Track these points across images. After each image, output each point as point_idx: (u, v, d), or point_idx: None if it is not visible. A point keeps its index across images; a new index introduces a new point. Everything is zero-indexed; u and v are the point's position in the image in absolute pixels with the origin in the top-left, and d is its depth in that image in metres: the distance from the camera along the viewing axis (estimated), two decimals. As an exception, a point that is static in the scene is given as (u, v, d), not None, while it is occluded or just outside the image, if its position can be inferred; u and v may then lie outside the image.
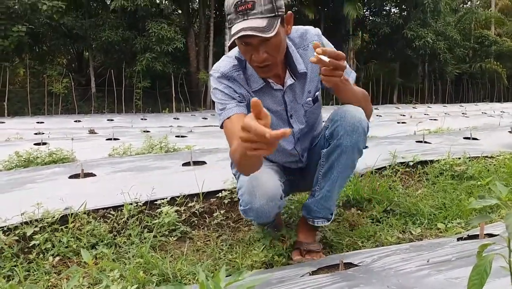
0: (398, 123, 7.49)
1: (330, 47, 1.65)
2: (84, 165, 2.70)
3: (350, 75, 1.67)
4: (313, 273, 1.47)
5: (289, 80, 1.65)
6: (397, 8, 21.17)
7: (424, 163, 3.14)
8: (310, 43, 1.65)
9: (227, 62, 1.66)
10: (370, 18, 21.47)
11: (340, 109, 1.61)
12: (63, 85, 13.03)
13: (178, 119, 10.30)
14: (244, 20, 1.40)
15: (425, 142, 3.94)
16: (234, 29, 1.41)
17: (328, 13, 19.62)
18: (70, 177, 2.64)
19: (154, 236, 2.01)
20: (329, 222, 1.82)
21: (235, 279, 0.77)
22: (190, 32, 16.23)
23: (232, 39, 1.43)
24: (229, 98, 1.60)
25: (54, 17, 12.66)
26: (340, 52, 1.34)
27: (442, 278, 1.26)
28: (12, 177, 2.68)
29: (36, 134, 5.85)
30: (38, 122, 8.37)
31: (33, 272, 1.73)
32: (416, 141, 3.98)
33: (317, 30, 1.72)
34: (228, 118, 1.56)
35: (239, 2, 1.40)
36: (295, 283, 1.34)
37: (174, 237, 2.05)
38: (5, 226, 1.94)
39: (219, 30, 16.48)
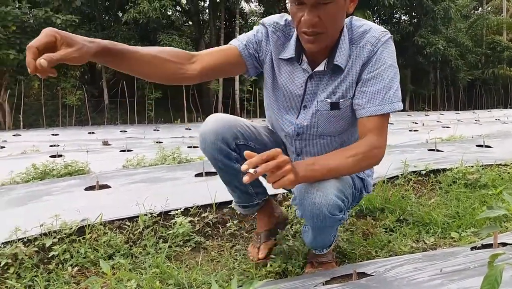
0: (410, 131, 7.46)
1: (383, 58, 1.41)
2: (99, 177, 2.76)
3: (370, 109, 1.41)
4: (326, 283, 1.49)
5: (320, 67, 1.46)
6: (407, 15, 21.13)
7: (436, 171, 3.14)
8: (367, 42, 1.42)
9: (280, 18, 1.56)
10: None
11: (301, 190, 1.38)
12: (77, 97, 13.26)
13: (190, 129, 10.39)
14: None
15: (438, 150, 3.93)
16: None
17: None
18: (86, 189, 2.70)
19: (169, 247, 2.04)
20: (329, 248, 1.73)
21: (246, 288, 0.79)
22: (201, 43, 16.41)
23: None
24: (250, 39, 1.55)
25: (67, 31, 12.91)
26: (269, 152, 1.19)
27: (455, 288, 1.26)
28: (29, 190, 2.75)
29: (51, 146, 5.96)
30: (53, 134, 8.51)
31: (53, 282, 1.77)
32: (428, 150, 3.98)
33: (382, 33, 1.42)
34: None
35: None
36: (309, 293, 1.36)
37: (188, 247, 2.09)
38: (25, 238, 1.99)
39: (229, 40, 16.60)
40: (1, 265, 1.83)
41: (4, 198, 2.53)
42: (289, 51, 1.50)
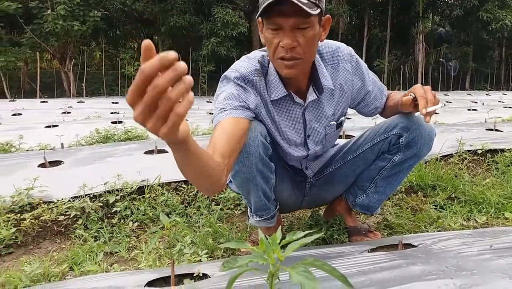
0: (468, 110, 7.09)
1: (361, 67, 1.58)
2: (157, 142, 2.92)
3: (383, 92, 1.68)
4: (372, 250, 1.53)
5: (311, 96, 1.48)
6: (472, -13, 19.65)
7: (494, 151, 3.01)
8: (341, 62, 1.52)
9: (248, 64, 1.45)
10: (442, -1, 20.18)
11: (409, 118, 1.57)
12: (135, 68, 13.77)
13: (240, 102, 10.48)
14: None
15: (497, 130, 3.74)
16: (266, 1, 1.22)
17: (396, -7, 18.73)
18: (145, 152, 2.87)
19: (221, 209, 2.16)
20: (377, 211, 1.84)
21: (290, 238, 0.83)
22: (254, 16, 16.31)
23: (262, 6, 1.23)
24: (235, 102, 1.36)
25: (126, 3, 13.34)
26: (429, 95, 1.36)
27: (504, 263, 1.26)
28: (94, 151, 2.97)
29: (112, 113, 6.30)
30: (113, 102, 8.96)
31: (115, 235, 1.95)
32: (487, 129, 3.79)
33: (350, 49, 1.56)
34: (220, 121, 1.31)
35: None
36: (353, 258, 1.41)
37: (238, 210, 2.19)
38: (91, 194, 2.18)
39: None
40: (71, 217, 2.04)
41: (72, 158, 2.76)
42: (278, 90, 1.44)
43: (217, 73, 14.56)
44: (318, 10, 1.25)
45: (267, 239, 0.74)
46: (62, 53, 12.28)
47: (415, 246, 1.54)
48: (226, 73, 1.45)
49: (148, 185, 2.27)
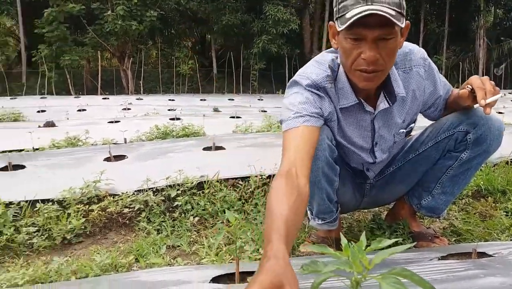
0: (542, 111, 6.59)
1: (434, 71, 1.50)
2: (214, 139, 2.96)
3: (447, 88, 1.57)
4: (442, 258, 1.45)
5: (382, 104, 1.41)
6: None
7: None
8: (414, 66, 1.45)
9: (319, 69, 1.39)
10: (505, -9, 18.91)
11: (475, 113, 1.48)
12: (189, 66, 14.15)
13: (292, 100, 10.46)
14: (366, 5, 1.15)
15: None
16: (353, 11, 1.17)
17: (457, -14, 17.81)
18: (204, 149, 2.93)
19: (278, 208, 2.14)
20: (443, 213, 1.76)
21: (375, 245, 0.80)
22: (305, 13, 16.16)
23: (347, 17, 1.17)
24: (312, 108, 1.32)
25: (181, 2, 13.73)
26: (488, 85, 1.29)
27: None
28: (155, 147, 3.07)
29: (169, 110, 6.52)
30: (169, 100, 9.28)
31: (177, 229, 2.00)
32: None
33: (423, 52, 1.48)
34: (296, 127, 1.28)
35: None
36: (423, 266, 1.34)
37: (297, 210, 2.17)
38: (154, 188, 2.25)
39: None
40: (135, 209, 2.11)
41: (135, 153, 2.87)
42: (348, 98, 1.39)
43: (268, 71, 14.61)
44: (404, 21, 1.20)
45: (350, 245, 0.71)
46: (121, 52, 12.87)
47: (490, 256, 1.44)
48: (296, 78, 1.40)
49: (208, 181, 2.30)
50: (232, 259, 1.60)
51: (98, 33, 12.54)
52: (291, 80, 1.42)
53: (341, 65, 1.38)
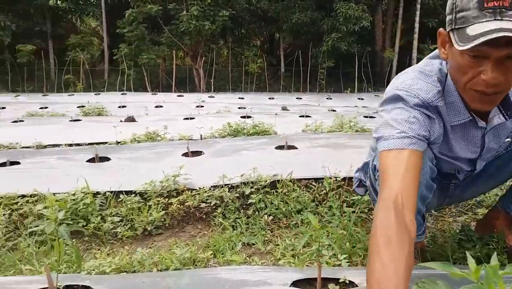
0: None
1: None
2: (288, 138, 2.96)
3: None
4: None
5: (496, 119, 1.27)
6: None
7: None
8: None
9: (428, 84, 1.23)
10: None
11: None
12: (257, 65, 14.29)
13: (362, 99, 10.20)
14: (495, 20, 1.00)
15: None
16: (479, 29, 1.02)
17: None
18: (276, 148, 2.93)
19: (353, 212, 2.08)
20: None
21: (510, 270, 0.72)
22: (378, 9, 15.58)
23: (474, 44, 1.01)
24: (420, 129, 1.17)
25: (252, 1, 13.90)
26: None
27: None
28: (229, 144, 3.13)
29: (239, 108, 6.64)
30: (239, 98, 9.49)
31: (251, 226, 2.01)
32: None
33: None
34: (401, 148, 1.14)
35: None
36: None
37: (372, 215, 2.09)
38: (229, 184, 2.29)
39: (408, 6, 15.40)
40: (211, 205, 2.16)
41: (211, 149, 2.95)
42: (460, 115, 1.25)
43: (336, 69, 14.32)
44: None
45: (481, 265, 0.64)
46: (194, 51, 13.34)
47: None
48: (400, 93, 1.22)
49: (281, 180, 2.30)
50: (309, 262, 1.57)
51: (173, 32, 13.10)
52: (392, 92, 1.25)
53: (449, 75, 1.24)
